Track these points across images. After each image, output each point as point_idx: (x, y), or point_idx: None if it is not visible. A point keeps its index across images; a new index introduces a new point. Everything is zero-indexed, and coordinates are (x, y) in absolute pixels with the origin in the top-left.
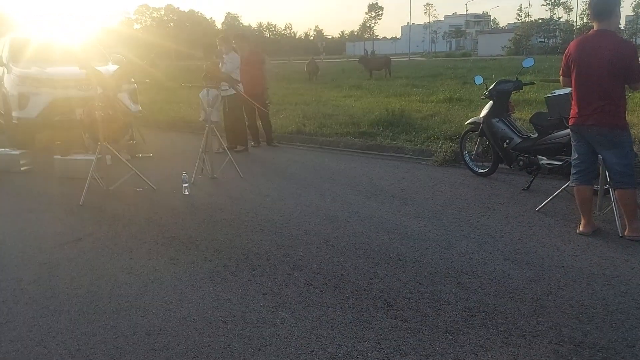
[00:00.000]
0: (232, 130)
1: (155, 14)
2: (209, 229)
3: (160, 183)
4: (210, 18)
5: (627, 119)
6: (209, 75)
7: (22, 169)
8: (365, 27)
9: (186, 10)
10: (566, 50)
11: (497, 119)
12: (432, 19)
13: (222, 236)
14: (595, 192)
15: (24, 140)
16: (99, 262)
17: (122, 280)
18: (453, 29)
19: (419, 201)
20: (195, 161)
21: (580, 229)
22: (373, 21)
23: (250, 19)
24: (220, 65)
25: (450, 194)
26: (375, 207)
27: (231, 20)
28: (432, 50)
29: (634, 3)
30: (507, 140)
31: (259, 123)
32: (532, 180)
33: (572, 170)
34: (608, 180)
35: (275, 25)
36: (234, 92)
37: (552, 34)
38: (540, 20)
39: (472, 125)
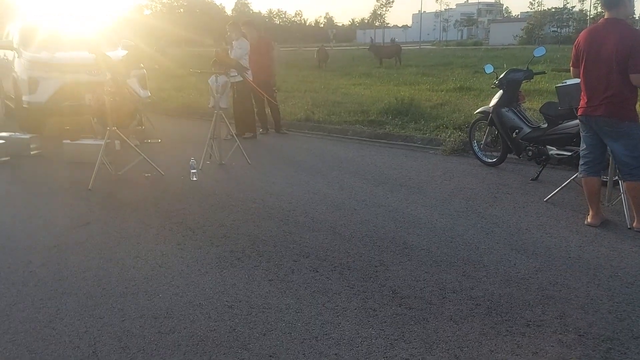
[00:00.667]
0: (240, 117)
1: (165, 0)
2: (216, 215)
3: (169, 169)
4: (220, 4)
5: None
6: (218, 61)
7: (32, 153)
8: (375, 15)
9: None
10: (576, 41)
11: (507, 109)
12: (443, 7)
13: (229, 222)
14: (604, 184)
15: (34, 124)
16: (107, 247)
17: (130, 264)
18: (465, 18)
19: (426, 190)
20: (204, 147)
21: (588, 220)
22: (384, 9)
23: (260, 5)
24: (229, 51)
25: (458, 184)
26: (382, 195)
27: (241, 7)
28: (443, 39)
29: None
30: (517, 130)
31: (267, 110)
32: (541, 170)
33: (581, 162)
34: (617, 171)
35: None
36: (242, 78)
37: (565, 24)
38: (553, 10)
39: (482, 115)
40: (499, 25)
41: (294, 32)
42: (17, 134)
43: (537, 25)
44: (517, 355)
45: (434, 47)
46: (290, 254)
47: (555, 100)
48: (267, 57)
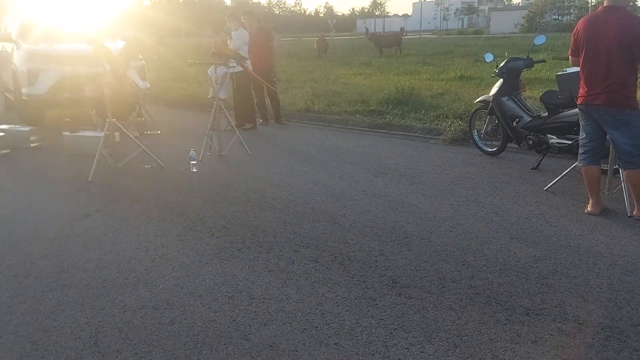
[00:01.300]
0: (240, 107)
1: None
2: (216, 206)
3: (169, 160)
4: None
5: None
6: (217, 52)
7: (32, 145)
8: (375, 4)
9: None
10: (575, 29)
11: (507, 98)
12: None
13: (229, 213)
14: (604, 172)
15: (34, 116)
16: (108, 238)
17: (130, 255)
18: (465, 6)
19: (426, 180)
20: (204, 139)
21: (589, 208)
22: None
23: None
24: (228, 42)
25: (458, 173)
26: (382, 185)
27: None
28: (444, 28)
29: None
30: (517, 119)
31: (267, 101)
32: (541, 159)
33: (580, 150)
34: (617, 160)
35: (285, 2)
36: (242, 69)
37: (566, 11)
38: None
39: (482, 104)
40: (500, 14)
41: (294, 21)
42: (17, 126)
43: (538, 13)
44: (516, 343)
45: (434, 36)
46: (290, 245)
47: (556, 88)
48: (267, 47)
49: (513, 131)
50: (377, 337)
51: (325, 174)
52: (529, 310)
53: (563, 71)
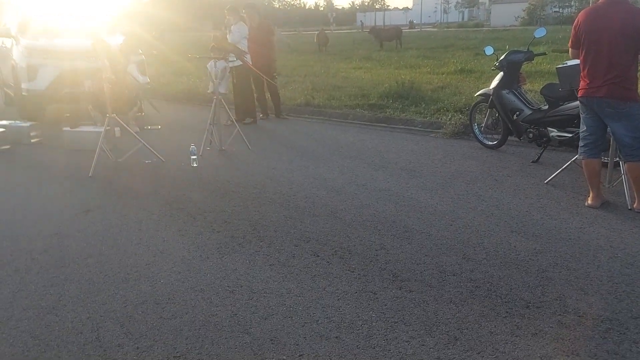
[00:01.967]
0: (240, 102)
1: None
2: (216, 201)
3: (169, 155)
4: None
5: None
6: (217, 46)
7: (32, 141)
8: None
9: None
10: (575, 21)
11: (507, 91)
12: None
13: (229, 208)
14: (605, 165)
15: (34, 112)
16: (108, 233)
17: (131, 250)
18: None
19: (427, 173)
20: (204, 133)
21: (589, 201)
22: None
23: None
24: (227, 35)
25: (458, 166)
26: (383, 179)
27: None
28: (444, 21)
29: None
30: (517, 112)
31: (267, 95)
32: (542, 152)
33: (580, 143)
34: (618, 152)
35: None
36: (241, 63)
37: (567, 4)
38: None
39: (482, 97)
40: (500, 6)
41: (294, 15)
42: (17, 122)
43: (538, 6)
44: (516, 336)
45: (434, 29)
46: (290, 239)
47: (556, 81)
48: (267, 41)
49: (513, 124)
50: (378, 330)
51: (326, 168)
52: (529, 303)
53: (564, 64)
